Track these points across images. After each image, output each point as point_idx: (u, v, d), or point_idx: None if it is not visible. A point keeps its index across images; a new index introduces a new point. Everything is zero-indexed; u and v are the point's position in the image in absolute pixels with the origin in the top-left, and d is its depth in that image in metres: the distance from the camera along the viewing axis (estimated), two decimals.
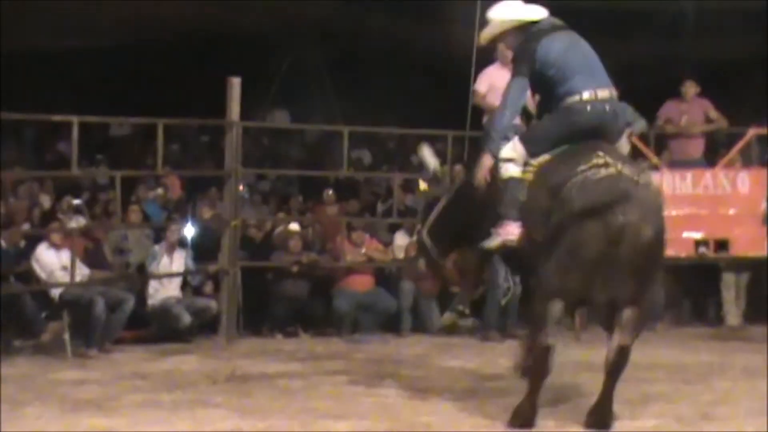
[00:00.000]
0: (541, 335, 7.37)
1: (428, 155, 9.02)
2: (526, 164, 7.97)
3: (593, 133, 7.91)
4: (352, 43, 17.85)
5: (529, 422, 7.54)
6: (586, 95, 7.81)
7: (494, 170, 8.08)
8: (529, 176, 7.92)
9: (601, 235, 7.28)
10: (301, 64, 19.11)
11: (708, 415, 8.07)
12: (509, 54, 12.82)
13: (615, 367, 7.43)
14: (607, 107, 7.97)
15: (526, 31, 8.13)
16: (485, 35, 8.49)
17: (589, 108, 7.86)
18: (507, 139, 8.08)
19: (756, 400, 8.67)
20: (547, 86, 8.04)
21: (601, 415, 7.44)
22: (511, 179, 7.92)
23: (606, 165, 7.48)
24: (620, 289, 7.49)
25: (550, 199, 7.62)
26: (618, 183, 7.46)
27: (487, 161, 8.08)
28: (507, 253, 8.18)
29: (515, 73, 8.10)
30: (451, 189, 9.11)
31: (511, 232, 7.82)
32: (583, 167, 7.52)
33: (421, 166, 9.46)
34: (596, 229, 7.32)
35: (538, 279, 7.64)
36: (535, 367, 7.55)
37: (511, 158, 7.96)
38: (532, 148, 7.96)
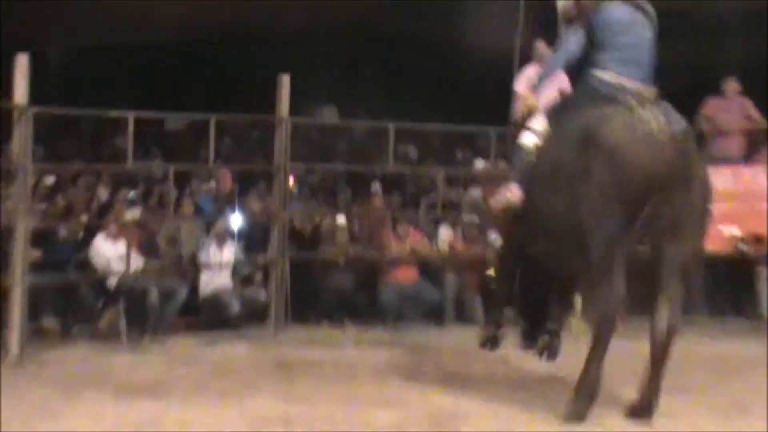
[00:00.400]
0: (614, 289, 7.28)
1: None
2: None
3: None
4: (397, 43, 17.85)
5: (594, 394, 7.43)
6: (612, 77, 7.75)
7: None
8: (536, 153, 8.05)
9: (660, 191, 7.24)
10: (350, 62, 19.14)
11: (743, 408, 8.07)
12: (547, 53, 12.87)
13: (664, 349, 7.39)
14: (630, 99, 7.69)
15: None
16: (566, 4, 8.37)
17: (612, 89, 7.74)
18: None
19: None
20: (590, 47, 7.93)
21: (648, 404, 7.40)
22: (523, 146, 8.12)
23: (637, 107, 7.54)
24: (676, 251, 7.46)
25: (574, 148, 7.55)
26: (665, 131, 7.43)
27: (527, 97, 8.39)
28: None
29: (575, 27, 8.07)
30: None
31: (512, 191, 8.01)
32: (609, 111, 7.56)
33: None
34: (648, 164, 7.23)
35: (588, 227, 7.35)
36: (605, 327, 7.40)
37: (535, 129, 8.12)
38: (552, 119, 8.08)
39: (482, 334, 8.78)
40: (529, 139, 8.08)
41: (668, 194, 7.26)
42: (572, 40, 8.01)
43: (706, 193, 7.66)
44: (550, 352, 8.28)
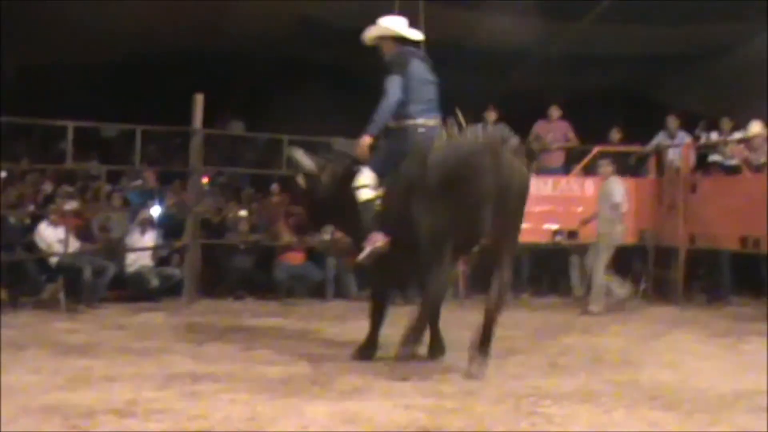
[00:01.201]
0: (440, 275, 7.54)
1: (302, 157, 8.87)
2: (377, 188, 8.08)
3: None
4: (299, 69, 17.81)
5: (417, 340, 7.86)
6: (420, 121, 7.99)
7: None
8: (379, 199, 8.04)
9: (474, 185, 7.42)
10: (255, 84, 19.13)
11: (555, 364, 8.33)
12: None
13: (492, 317, 7.60)
14: (433, 132, 8.04)
15: (402, 44, 8.33)
16: (370, 34, 8.48)
17: (421, 131, 7.99)
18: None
19: (590, 352, 9.05)
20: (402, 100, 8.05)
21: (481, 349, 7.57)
22: (367, 201, 8.03)
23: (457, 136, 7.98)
24: (497, 237, 7.63)
25: (418, 169, 7.71)
26: (477, 142, 7.98)
27: (366, 140, 8.02)
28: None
29: (394, 73, 8.07)
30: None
31: (376, 240, 7.90)
32: (437, 144, 7.89)
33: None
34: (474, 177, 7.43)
35: (427, 231, 7.55)
36: (429, 303, 7.74)
37: (366, 184, 8.06)
38: (380, 169, 8.09)
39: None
40: (367, 194, 8.07)
41: (497, 194, 7.45)
42: (397, 88, 8.02)
43: (523, 195, 7.90)
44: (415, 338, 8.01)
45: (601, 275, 12.75)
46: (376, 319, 8.45)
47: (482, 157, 7.56)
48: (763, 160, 13.61)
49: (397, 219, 7.85)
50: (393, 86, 8.02)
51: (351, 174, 8.26)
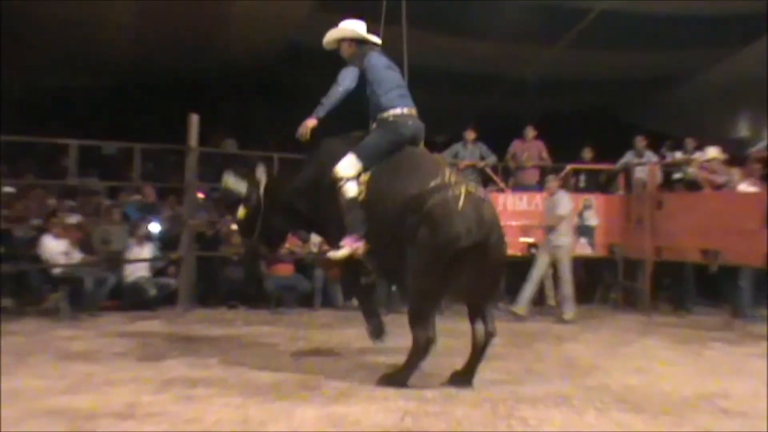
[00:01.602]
0: (428, 329, 7.24)
1: (234, 183, 8.58)
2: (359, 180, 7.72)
3: (411, 142, 7.85)
4: (287, 91, 17.84)
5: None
6: (405, 110, 7.85)
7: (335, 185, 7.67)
8: (362, 194, 7.65)
9: (472, 254, 7.13)
10: (246, 105, 19.18)
11: (531, 370, 8.35)
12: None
13: (483, 347, 7.44)
14: (418, 122, 7.90)
15: (361, 45, 8.20)
16: (332, 36, 8.31)
17: (410, 122, 7.84)
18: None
19: (563, 359, 9.07)
20: (373, 95, 7.94)
21: (466, 376, 7.42)
22: (353, 200, 7.62)
23: (455, 183, 7.35)
24: (485, 290, 7.50)
25: (406, 211, 7.33)
26: (478, 206, 7.25)
27: (310, 122, 7.83)
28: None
29: (350, 65, 8.05)
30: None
31: (356, 245, 7.56)
32: (434, 184, 7.32)
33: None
34: (470, 249, 7.12)
35: (417, 287, 7.34)
36: (417, 356, 7.30)
37: (350, 176, 7.66)
38: (366, 161, 7.73)
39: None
40: (353, 190, 7.65)
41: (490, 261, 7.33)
42: (349, 77, 7.91)
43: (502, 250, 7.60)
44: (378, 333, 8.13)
45: (570, 285, 12.80)
46: (368, 307, 8.35)
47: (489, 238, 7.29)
48: (720, 180, 13.67)
49: (381, 220, 7.56)
50: (346, 75, 7.96)
51: (325, 177, 7.84)
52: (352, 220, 7.62)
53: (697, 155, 14.69)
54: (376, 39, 8.38)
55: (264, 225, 8.58)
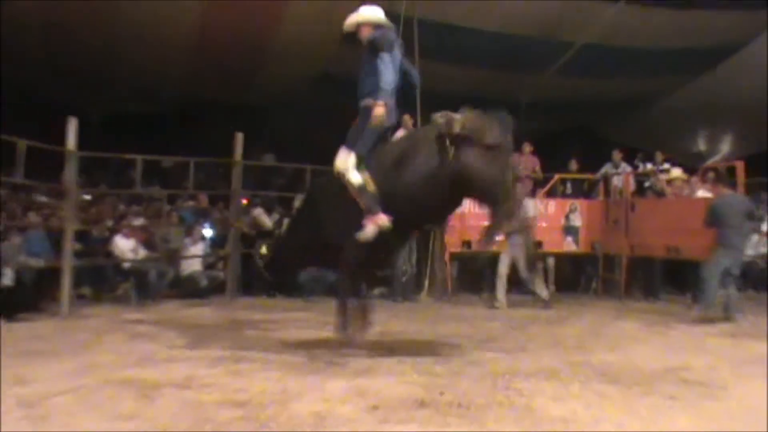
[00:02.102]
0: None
1: (265, 218, 7.83)
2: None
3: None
4: (319, 113, 17.85)
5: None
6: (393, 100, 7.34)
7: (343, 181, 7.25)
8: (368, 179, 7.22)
9: None
10: (283, 125, 19.22)
11: (524, 349, 8.35)
12: (409, 122, 12.73)
13: None
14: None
15: (379, 28, 7.56)
16: (353, 20, 7.67)
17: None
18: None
19: (552, 339, 9.10)
20: (366, 80, 7.37)
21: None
22: (361, 186, 7.20)
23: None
24: None
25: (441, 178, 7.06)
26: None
27: (381, 108, 7.15)
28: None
29: (384, 51, 7.32)
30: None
31: (380, 220, 7.14)
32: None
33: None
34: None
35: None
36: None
37: (348, 166, 7.25)
38: (358, 149, 7.30)
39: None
40: (357, 177, 7.21)
41: None
42: (390, 65, 7.32)
43: None
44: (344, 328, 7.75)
45: (504, 279, 12.69)
46: (343, 305, 7.79)
47: None
48: (683, 194, 13.69)
49: (391, 196, 7.20)
50: (387, 62, 7.30)
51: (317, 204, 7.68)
52: (367, 202, 7.22)
53: (669, 170, 14.66)
54: (389, 21, 7.79)
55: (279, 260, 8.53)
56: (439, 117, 7.19)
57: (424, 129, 7.89)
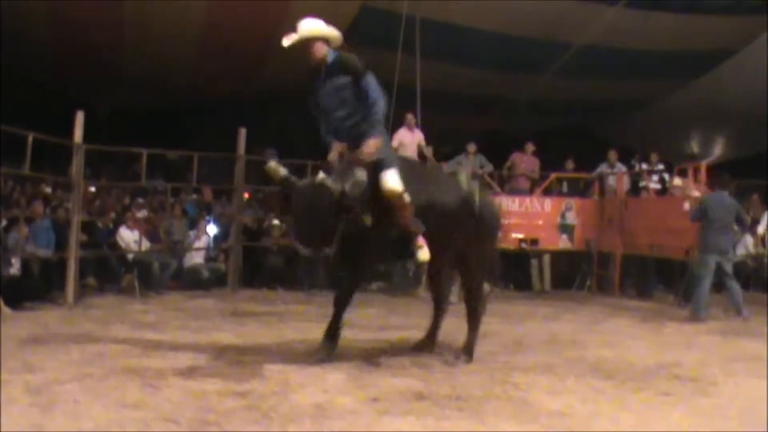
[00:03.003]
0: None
1: (278, 167, 6.71)
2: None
3: None
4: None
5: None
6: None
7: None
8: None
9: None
10: (283, 121, 19.21)
11: (521, 343, 8.36)
12: (412, 120, 12.67)
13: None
14: None
15: (328, 44, 6.65)
16: (293, 39, 6.59)
17: None
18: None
19: (548, 335, 9.11)
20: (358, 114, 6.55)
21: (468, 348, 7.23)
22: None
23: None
24: None
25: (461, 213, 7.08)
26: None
27: (376, 143, 6.37)
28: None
29: (368, 74, 6.52)
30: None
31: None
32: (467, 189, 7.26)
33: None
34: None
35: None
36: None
37: (404, 189, 6.45)
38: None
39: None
40: (408, 197, 6.50)
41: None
42: (381, 92, 6.52)
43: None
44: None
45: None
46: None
47: None
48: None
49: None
50: (376, 85, 6.52)
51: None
52: (416, 222, 6.63)
53: (664, 170, 14.72)
54: (338, 34, 6.77)
55: None
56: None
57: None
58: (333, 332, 6.94)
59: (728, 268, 10.98)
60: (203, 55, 16.35)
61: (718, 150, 20.94)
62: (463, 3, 15.33)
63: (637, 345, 8.54)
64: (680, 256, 12.10)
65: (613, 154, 15.50)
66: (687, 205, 12.14)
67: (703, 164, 13.66)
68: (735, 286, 11.05)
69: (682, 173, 13.90)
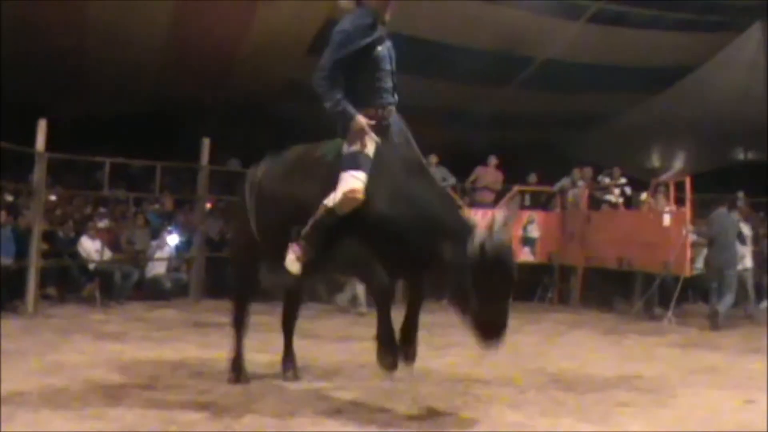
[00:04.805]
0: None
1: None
2: None
3: None
4: (286, 121, 17.79)
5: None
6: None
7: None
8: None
9: None
10: (248, 131, 19.17)
11: (482, 356, 8.15)
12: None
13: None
14: None
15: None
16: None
17: None
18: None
19: (509, 346, 9.13)
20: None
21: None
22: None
23: None
24: None
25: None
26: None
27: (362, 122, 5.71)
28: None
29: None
30: None
31: None
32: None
33: None
34: None
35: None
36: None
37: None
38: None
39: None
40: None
41: None
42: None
43: None
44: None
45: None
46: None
47: None
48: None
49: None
50: None
51: None
52: None
53: (626, 185, 14.93)
54: None
55: None
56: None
57: None
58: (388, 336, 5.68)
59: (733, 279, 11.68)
60: (168, 62, 16.26)
61: (678, 164, 21.21)
62: (426, 16, 15.38)
63: (598, 357, 8.61)
64: (657, 269, 12.21)
65: (578, 172, 15.60)
66: (690, 227, 12.27)
67: (671, 180, 13.84)
68: (731, 298, 11.63)
69: (654, 188, 14.07)
